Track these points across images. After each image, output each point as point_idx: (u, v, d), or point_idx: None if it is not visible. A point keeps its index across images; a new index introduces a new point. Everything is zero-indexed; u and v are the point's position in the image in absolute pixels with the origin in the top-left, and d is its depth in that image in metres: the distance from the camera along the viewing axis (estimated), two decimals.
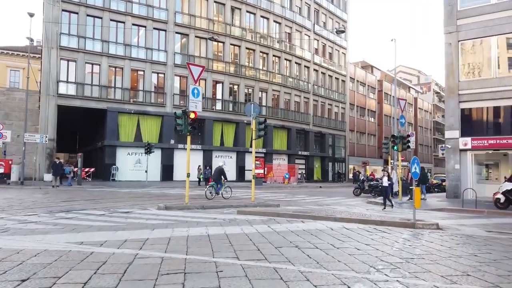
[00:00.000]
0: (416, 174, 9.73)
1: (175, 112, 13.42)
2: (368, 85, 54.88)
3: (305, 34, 43.70)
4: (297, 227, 8.87)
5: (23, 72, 51.01)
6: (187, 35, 33.63)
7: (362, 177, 26.75)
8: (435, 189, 28.20)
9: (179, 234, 7.63)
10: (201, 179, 29.71)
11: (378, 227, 9.10)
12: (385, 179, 14.13)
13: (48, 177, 26.46)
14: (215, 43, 34.99)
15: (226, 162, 35.60)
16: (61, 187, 21.97)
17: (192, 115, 12.83)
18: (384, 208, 14.00)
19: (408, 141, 17.19)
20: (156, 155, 30.26)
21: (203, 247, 6.41)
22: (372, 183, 23.13)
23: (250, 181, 36.42)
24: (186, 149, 31.84)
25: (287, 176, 36.66)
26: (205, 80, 34.15)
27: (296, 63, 42.24)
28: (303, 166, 41.84)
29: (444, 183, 29.79)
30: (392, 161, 21.12)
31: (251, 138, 14.51)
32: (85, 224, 8.72)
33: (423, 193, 17.70)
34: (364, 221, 9.69)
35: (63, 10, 28.35)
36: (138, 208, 12.40)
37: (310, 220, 10.09)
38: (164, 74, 32.41)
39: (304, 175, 40.35)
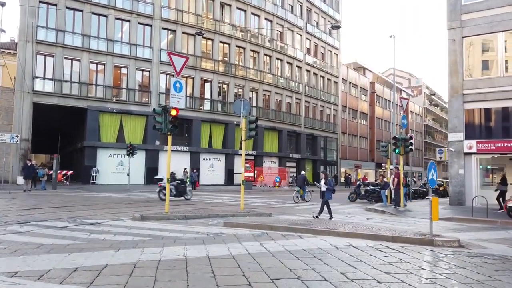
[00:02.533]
0: (433, 181, 8.33)
1: (154, 109, 11.85)
2: (360, 87, 53.86)
3: (297, 33, 42.39)
4: (296, 246, 7.37)
5: (2, 70, 48.64)
6: (174, 31, 31.98)
7: (359, 182, 25.40)
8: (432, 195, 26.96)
9: (148, 257, 6.07)
10: (188, 183, 28.04)
11: (390, 245, 7.65)
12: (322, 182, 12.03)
13: (21, 180, 24.49)
14: (204, 40, 33.42)
15: (214, 164, 34.12)
16: (33, 192, 20.12)
17: (173, 112, 11.26)
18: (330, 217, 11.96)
19: (411, 143, 15.87)
20: (140, 157, 28.52)
21: (175, 280, 4.87)
22: (368, 188, 21.83)
23: (239, 185, 34.90)
24: (172, 151, 30.47)
25: (277, 179, 35.22)
26: (193, 78, 32.54)
27: (287, 62, 40.90)
28: (294, 170, 40.44)
29: (441, 188, 28.75)
30: (392, 165, 19.77)
31: (241, 139, 13.00)
32: (35, 241, 7.08)
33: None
34: (373, 237, 8.25)
35: (40, 1, 26.41)
36: (111, 218, 10.77)
37: (309, 234, 8.60)
38: (149, 71, 30.68)
39: (295, 178, 38.90)
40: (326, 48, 47.13)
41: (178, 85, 11.48)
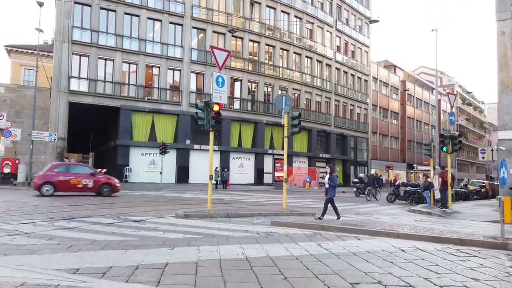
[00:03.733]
0: (505, 179, 7.63)
1: (196, 104, 11.56)
2: (391, 86, 52.39)
3: (327, 31, 41.60)
4: (357, 247, 6.88)
5: (38, 71, 50.23)
6: (204, 30, 31.93)
7: (398, 182, 24.51)
8: (474, 196, 25.75)
9: (207, 256, 5.73)
10: (218, 182, 27.94)
11: (461, 248, 7.03)
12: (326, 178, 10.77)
13: None
14: (234, 40, 33.24)
15: (243, 164, 33.85)
16: None
17: (216, 107, 10.99)
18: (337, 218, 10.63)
19: (460, 141, 15.00)
20: (171, 156, 28.56)
21: (246, 282, 4.49)
22: (408, 189, 20.95)
23: (269, 185, 34.71)
24: (202, 150, 30.48)
25: (308, 179, 34.55)
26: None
27: (317, 61, 40.16)
28: (324, 170, 39.63)
29: (483, 190, 27.42)
30: (437, 166, 18.86)
31: (283, 136, 12.59)
32: (87, 237, 6.90)
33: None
34: (437, 239, 7.64)
35: (75, 3, 26.91)
36: (153, 216, 10.58)
37: (366, 236, 8.07)
38: (180, 70, 30.73)
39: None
40: (356, 46, 46.06)
41: (220, 79, 11.19)
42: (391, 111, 51.94)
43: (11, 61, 48.27)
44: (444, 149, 14.91)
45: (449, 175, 15.18)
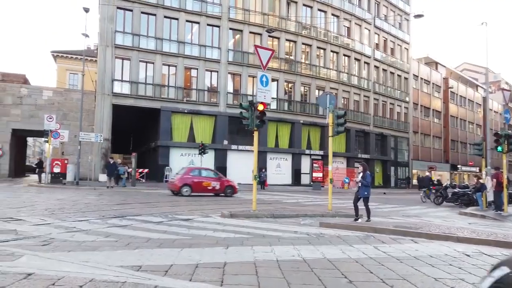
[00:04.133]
0: None
1: (240, 104, 11.56)
2: (433, 83, 50.32)
3: (365, 28, 40.60)
4: (416, 251, 6.54)
5: (81, 75, 52.58)
6: (241, 31, 32.08)
7: (446, 184, 23.51)
8: None
9: (263, 256, 5.64)
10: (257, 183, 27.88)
11: None
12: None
13: (103, 177, 25.93)
14: (270, 40, 33.15)
15: (280, 164, 33.66)
16: (115, 188, 21.08)
17: (260, 107, 10.91)
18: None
19: None
20: (209, 156, 28.87)
21: (310, 284, 4.35)
22: (456, 190, 19.95)
23: (307, 185, 34.22)
24: (239, 150, 30.66)
25: (346, 180, 33.85)
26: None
27: (355, 59, 39.29)
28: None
29: None
30: (489, 167, 17.85)
31: (328, 135, 12.32)
32: (141, 235, 7.01)
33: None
34: (503, 244, 7.16)
35: (117, 8, 27.88)
36: (199, 215, 10.66)
37: (423, 239, 7.68)
38: (217, 72, 31.05)
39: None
40: (395, 43, 44.64)
41: (264, 79, 11.11)
42: (433, 109, 49.90)
43: (57, 66, 50.85)
44: (499, 148, 14.05)
45: (505, 176, 14.28)
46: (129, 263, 4.90)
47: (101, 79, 27.48)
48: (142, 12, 28.62)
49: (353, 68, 39.06)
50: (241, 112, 11.25)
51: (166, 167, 28.40)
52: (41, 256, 5.18)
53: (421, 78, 48.17)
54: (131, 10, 28.30)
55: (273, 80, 33.40)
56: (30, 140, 59.66)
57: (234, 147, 30.52)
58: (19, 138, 34.73)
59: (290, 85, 34.63)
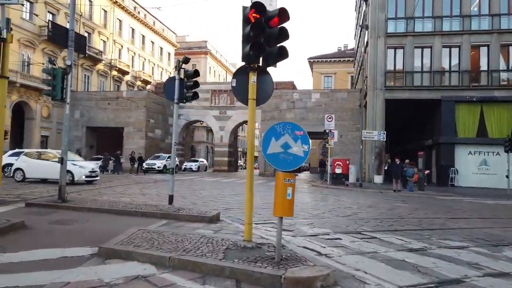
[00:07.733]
0: None
1: None
2: None
3: None
4: None
5: (334, 77, 54.30)
6: None
7: None
8: None
9: None
10: None
11: None
12: None
13: (378, 179, 24.15)
14: None
15: None
16: (402, 192, 18.57)
17: None
18: None
19: None
20: (503, 157, 22.27)
21: None
22: None
23: None
24: None
25: None
26: None
27: None
28: None
29: None
30: None
31: None
32: None
33: None
34: None
35: None
36: None
37: None
38: None
39: None
40: None
41: None
42: None
43: (313, 71, 54.63)
44: None
45: None
46: None
47: (373, 74, 25.75)
48: None
49: None
50: None
51: (451, 169, 23.81)
52: None
53: None
54: None
55: None
56: None
57: None
58: None
59: None
